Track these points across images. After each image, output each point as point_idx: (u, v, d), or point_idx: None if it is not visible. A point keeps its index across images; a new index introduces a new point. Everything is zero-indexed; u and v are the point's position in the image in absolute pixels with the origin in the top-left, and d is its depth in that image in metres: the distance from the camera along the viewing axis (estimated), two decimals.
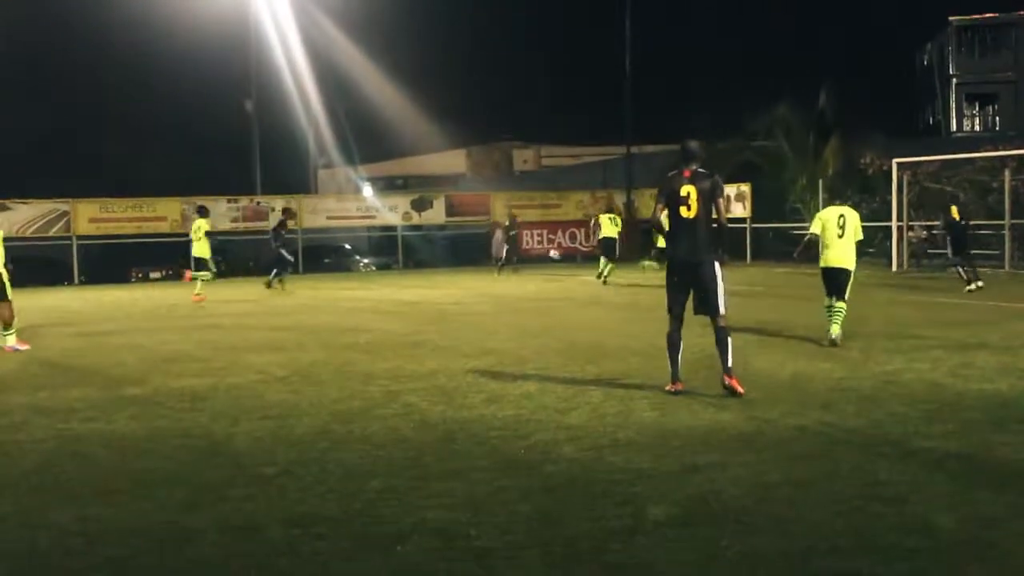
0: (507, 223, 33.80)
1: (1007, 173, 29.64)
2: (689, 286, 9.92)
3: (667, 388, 9.83)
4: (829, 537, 5.56)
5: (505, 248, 32.90)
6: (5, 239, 15.09)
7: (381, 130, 60.40)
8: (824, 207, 14.58)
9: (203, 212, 25.42)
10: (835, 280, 13.79)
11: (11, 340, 14.49)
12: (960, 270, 22.28)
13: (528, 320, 17.47)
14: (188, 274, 25.29)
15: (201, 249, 24.36)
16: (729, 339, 9.82)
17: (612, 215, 29.13)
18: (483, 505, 6.26)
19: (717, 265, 9.93)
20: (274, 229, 27.83)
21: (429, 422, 8.79)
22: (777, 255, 36.39)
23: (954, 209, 23.16)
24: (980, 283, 21.62)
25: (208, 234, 24.56)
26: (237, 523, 6.05)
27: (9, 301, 14.63)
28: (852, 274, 13.87)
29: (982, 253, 29.70)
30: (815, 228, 14.12)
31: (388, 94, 55.95)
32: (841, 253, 13.83)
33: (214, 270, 24.91)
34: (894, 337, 13.72)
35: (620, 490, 6.49)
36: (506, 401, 9.62)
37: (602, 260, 27.78)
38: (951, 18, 62.49)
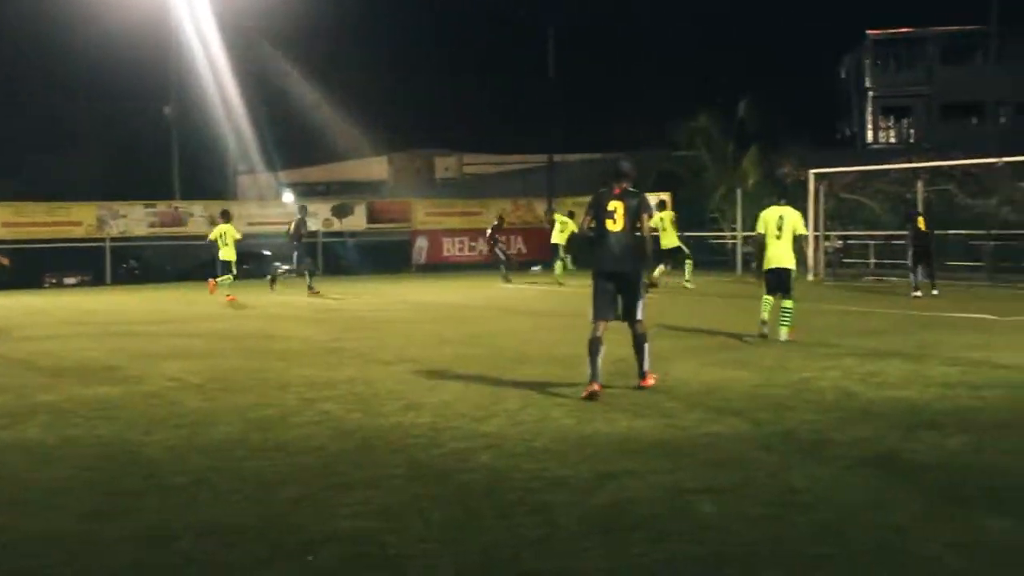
0: (495, 222, 33.47)
1: (920, 185, 30.20)
2: (616, 294, 10.36)
3: (583, 395, 9.97)
4: (742, 544, 5.61)
5: (500, 251, 32.45)
6: None
7: (303, 136, 59.99)
8: (765, 207, 15.16)
9: (227, 216, 25.73)
10: (777, 279, 14.65)
11: None
12: (913, 276, 23.28)
13: (448, 327, 17.45)
14: (212, 283, 25.11)
15: (228, 253, 24.67)
16: (646, 344, 10.42)
17: (563, 219, 29.61)
18: (398, 513, 6.24)
19: (640, 276, 10.46)
20: (295, 231, 27.63)
21: (345, 430, 8.75)
22: (696, 263, 36.74)
23: (921, 220, 24.03)
24: (934, 291, 22.54)
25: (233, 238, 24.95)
26: (149, 532, 5.98)
27: None
28: (792, 272, 14.66)
29: (899, 263, 30.26)
30: (759, 228, 14.95)
31: (310, 100, 55.65)
32: (780, 253, 14.66)
33: (235, 272, 25.17)
34: (808, 345, 13.91)
35: (535, 498, 6.51)
36: (424, 409, 9.60)
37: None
38: (868, 32, 63.64)
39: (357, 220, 38.36)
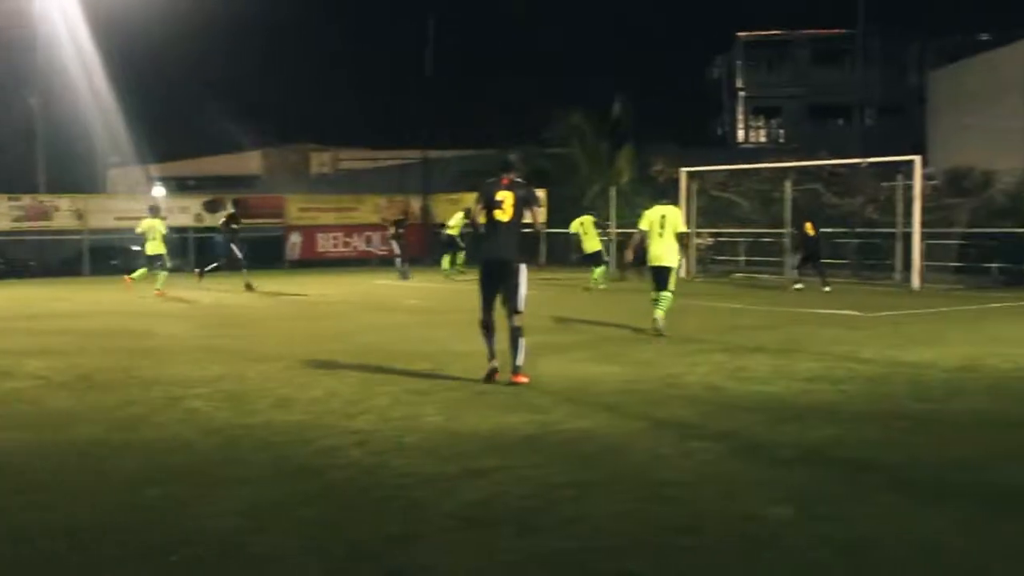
0: (399, 216, 32.94)
1: (788, 184, 30.88)
2: (498, 282, 10.74)
3: (483, 377, 10.62)
4: (608, 537, 5.66)
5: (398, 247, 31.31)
6: None
7: (175, 130, 58.99)
8: (651, 206, 16.21)
9: (155, 212, 26.02)
10: (660, 275, 15.26)
11: None
12: (797, 270, 25.34)
13: (321, 324, 17.31)
14: (128, 280, 25.24)
15: (155, 247, 24.88)
16: (521, 340, 10.56)
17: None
18: (265, 512, 6.16)
19: (523, 267, 10.79)
20: (224, 224, 27.57)
21: (213, 428, 8.61)
22: (571, 260, 37.05)
23: (809, 225, 25.34)
24: (826, 288, 23.57)
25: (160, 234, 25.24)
26: (6, 533, 5.81)
27: None
28: (673, 269, 15.36)
29: (765, 261, 30.91)
30: (643, 225, 15.54)
31: (184, 93, 54.74)
32: (662, 251, 15.31)
33: (169, 266, 25.50)
34: (678, 342, 14.11)
35: (404, 494, 6.48)
36: (294, 406, 9.51)
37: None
38: (739, 34, 64.86)
39: None
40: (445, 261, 30.68)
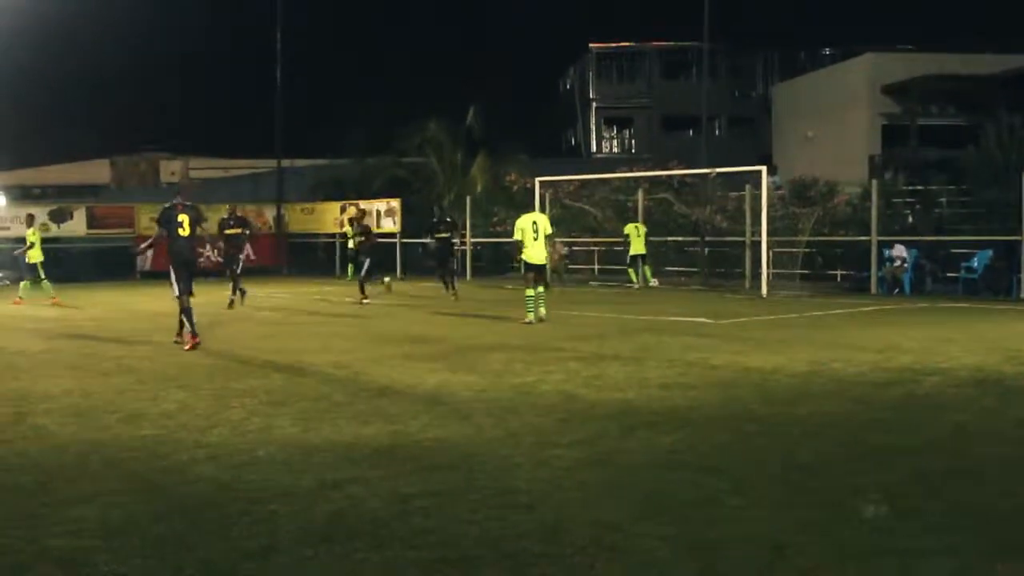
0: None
1: (640, 193, 31.39)
2: (189, 278, 15.12)
3: (188, 347, 14.60)
4: (462, 546, 5.68)
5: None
6: None
7: (19, 138, 57.37)
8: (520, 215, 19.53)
9: (31, 220, 27.03)
10: (536, 272, 18.27)
11: None
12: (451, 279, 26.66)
13: (170, 336, 16.95)
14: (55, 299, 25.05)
15: (34, 255, 25.62)
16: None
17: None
18: (115, 530, 6.03)
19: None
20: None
21: (60, 444, 8.39)
22: (426, 270, 37.01)
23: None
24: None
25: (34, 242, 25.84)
26: None
27: None
28: (546, 267, 18.65)
29: (618, 268, 31.34)
30: (517, 235, 18.44)
31: (28, 99, 53.23)
32: (537, 252, 18.30)
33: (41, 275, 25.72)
34: (533, 350, 14.22)
35: (258, 508, 6.41)
36: (144, 420, 9.32)
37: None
38: (591, 45, 65.75)
39: (77, 225, 36.80)
40: (350, 268, 33.20)
